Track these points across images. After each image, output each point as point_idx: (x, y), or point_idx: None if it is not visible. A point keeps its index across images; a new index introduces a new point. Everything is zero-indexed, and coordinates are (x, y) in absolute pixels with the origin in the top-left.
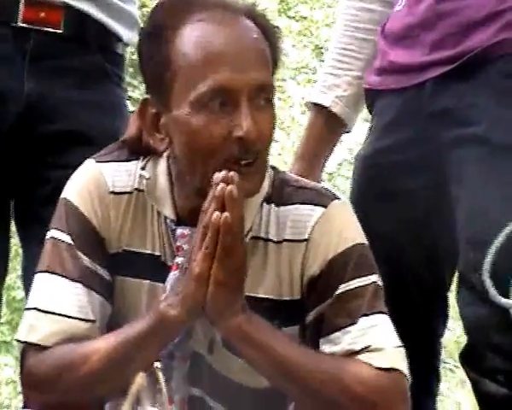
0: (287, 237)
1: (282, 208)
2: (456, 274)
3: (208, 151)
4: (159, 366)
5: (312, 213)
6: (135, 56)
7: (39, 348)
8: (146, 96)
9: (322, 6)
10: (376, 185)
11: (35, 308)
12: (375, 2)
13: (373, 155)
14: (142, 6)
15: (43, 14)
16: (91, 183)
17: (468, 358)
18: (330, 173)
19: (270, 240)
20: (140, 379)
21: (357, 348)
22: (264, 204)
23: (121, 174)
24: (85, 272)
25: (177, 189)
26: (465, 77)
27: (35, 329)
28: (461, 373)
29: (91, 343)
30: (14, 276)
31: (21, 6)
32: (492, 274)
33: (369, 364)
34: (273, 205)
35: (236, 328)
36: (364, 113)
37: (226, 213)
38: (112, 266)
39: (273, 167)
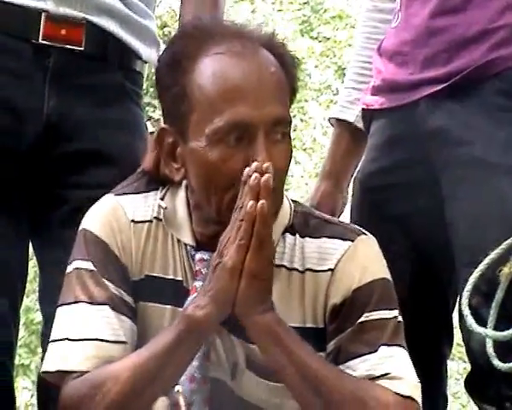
0: (312, 267)
1: (309, 240)
2: (458, 299)
3: (223, 185)
4: (180, 390)
5: (339, 246)
6: None
7: (75, 374)
8: (163, 125)
9: (345, 27)
10: (374, 209)
11: (66, 339)
12: None
13: (369, 177)
14: (164, 26)
15: (64, 32)
16: (110, 213)
17: (473, 386)
18: None
19: (295, 269)
20: (161, 403)
21: (376, 374)
22: (288, 234)
23: (140, 205)
24: (111, 296)
25: (195, 217)
26: (458, 96)
27: (68, 357)
28: None
29: (121, 362)
30: (33, 298)
31: (42, 23)
32: (474, 302)
33: (389, 389)
34: (297, 236)
35: (266, 325)
36: None
37: (263, 201)
38: (134, 292)
39: (293, 200)
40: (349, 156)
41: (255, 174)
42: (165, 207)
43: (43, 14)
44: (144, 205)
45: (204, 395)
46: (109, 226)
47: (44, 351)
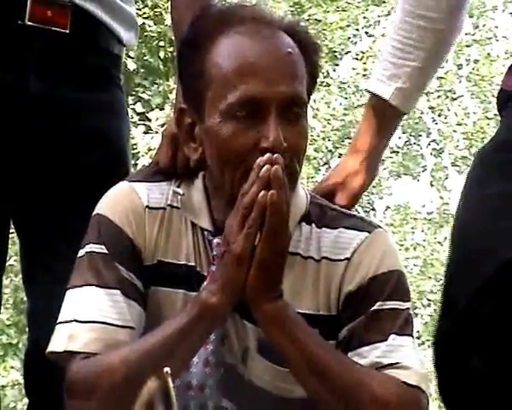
0: (328, 256)
1: (326, 230)
2: None
3: (235, 161)
4: (169, 371)
5: (356, 236)
6: (147, 57)
7: (81, 355)
8: (182, 105)
9: (337, 9)
10: None
11: (74, 320)
12: None
13: None
14: (155, 6)
15: (49, 14)
16: (125, 197)
17: None
18: None
19: (311, 257)
20: (152, 384)
21: (385, 362)
22: (304, 224)
23: (154, 192)
24: (122, 280)
25: (215, 203)
26: None
27: (75, 338)
28: None
29: (130, 345)
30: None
31: (29, 4)
32: None
33: (397, 378)
34: (314, 226)
35: (273, 312)
36: None
37: (273, 191)
38: (146, 277)
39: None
40: (379, 134)
41: (267, 166)
42: (183, 194)
43: None
44: (158, 192)
45: (217, 380)
46: (124, 211)
47: (30, 330)
